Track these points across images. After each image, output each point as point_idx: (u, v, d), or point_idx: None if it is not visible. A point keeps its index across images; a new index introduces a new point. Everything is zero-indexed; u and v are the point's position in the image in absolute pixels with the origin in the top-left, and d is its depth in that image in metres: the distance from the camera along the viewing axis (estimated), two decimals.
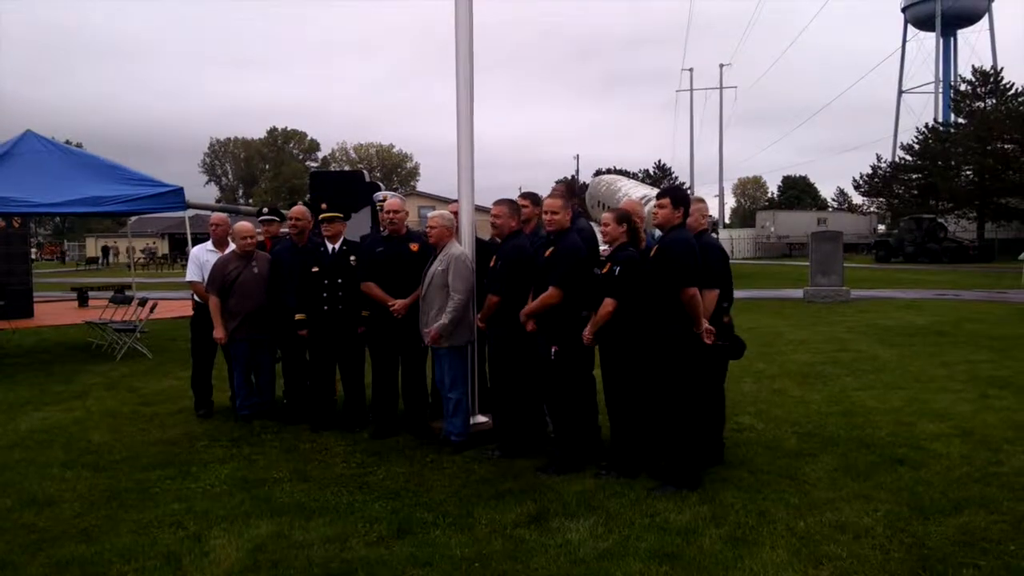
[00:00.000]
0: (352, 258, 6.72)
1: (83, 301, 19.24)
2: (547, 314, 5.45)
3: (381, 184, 11.34)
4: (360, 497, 5.03)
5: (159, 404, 7.89)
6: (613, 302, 5.14)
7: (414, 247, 6.60)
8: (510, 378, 5.89)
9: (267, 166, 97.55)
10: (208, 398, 7.50)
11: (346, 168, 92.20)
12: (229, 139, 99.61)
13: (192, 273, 7.51)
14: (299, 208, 7.43)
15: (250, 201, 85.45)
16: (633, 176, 52.33)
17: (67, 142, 12.73)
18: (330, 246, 6.80)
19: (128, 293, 13.99)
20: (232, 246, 7.40)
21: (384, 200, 7.15)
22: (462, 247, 6.24)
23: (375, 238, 6.87)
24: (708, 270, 5.12)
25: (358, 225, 10.25)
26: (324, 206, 7.43)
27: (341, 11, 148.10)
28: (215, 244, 7.57)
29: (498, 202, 5.97)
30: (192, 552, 4.18)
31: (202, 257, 7.51)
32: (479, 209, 6.86)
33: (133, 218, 15.99)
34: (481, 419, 6.55)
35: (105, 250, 57.52)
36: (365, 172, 11.43)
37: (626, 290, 5.13)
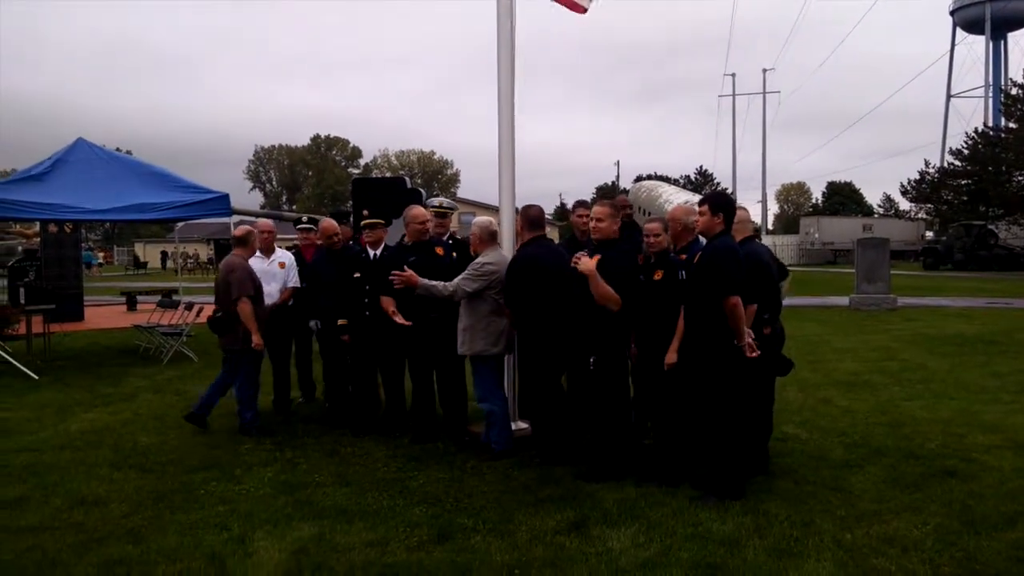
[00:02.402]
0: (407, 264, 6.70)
1: (132, 305, 19.64)
2: (586, 322, 5.41)
3: (422, 190, 11.37)
4: (401, 502, 5.04)
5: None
6: (734, 300, 5.03)
7: (439, 250, 6.64)
8: (547, 385, 5.88)
9: (310, 173, 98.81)
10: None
11: (388, 175, 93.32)
12: (274, 146, 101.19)
13: None
14: (327, 223, 7.51)
15: (294, 207, 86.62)
16: (674, 182, 51.97)
17: (117, 149, 13.06)
18: (371, 252, 6.85)
19: (175, 298, 14.26)
20: (279, 251, 7.61)
21: (439, 205, 7.22)
22: (497, 255, 6.17)
23: (401, 247, 6.83)
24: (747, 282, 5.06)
25: (399, 231, 10.32)
26: (365, 213, 7.50)
27: (385, 22, 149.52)
28: (263, 251, 7.68)
29: (602, 204, 5.75)
30: (236, 554, 4.23)
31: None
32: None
33: (180, 224, 16.28)
34: (523, 425, 6.55)
35: (164, 255, 59.05)
36: (407, 179, 11.51)
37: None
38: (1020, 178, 44.67)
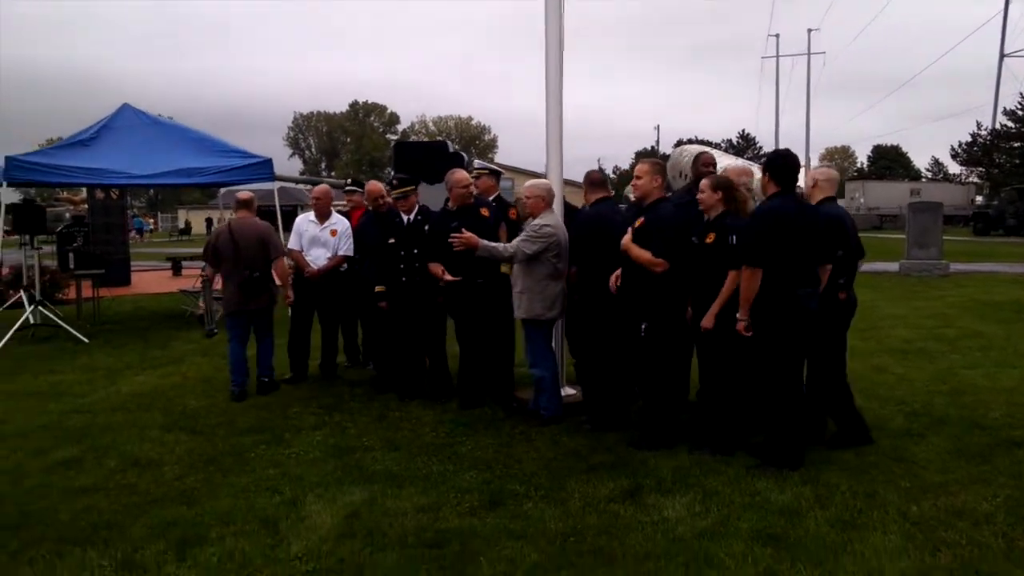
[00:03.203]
0: (427, 227, 6.68)
1: (177, 270, 19.90)
2: (636, 288, 5.28)
3: (464, 155, 11.26)
4: (451, 467, 5.00)
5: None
6: (736, 275, 4.87)
7: (484, 212, 6.51)
8: (598, 350, 5.78)
9: (348, 139, 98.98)
10: (303, 363, 7.64)
11: (427, 140, 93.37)
12: (312, 113, 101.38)
13: (292, 242, 7.71)
14: (373, 185, 7.44)
15: (332, 173, 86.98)
16: (716, 147, 51.06)
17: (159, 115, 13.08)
18: (405, 217, 6.78)
19: None
20: (335, 216, 7.58)
21: (483, 169, 7.10)
22: (554, 218, 6.06)
23: (445, 212, 6.71)
24: (823, 243, 4.89)
25: (440, 195, 10.22)
26: (395, 180, 7.36)
27: None
28: (317, 216, 7.65)
29: (643, 161, 5.70)
30: (289, 517, 4.23)
31: (302, 227, 7.69)
32: (566, 183, 6.71)
33: (223, 190, 16.34)
34: (570, 391, 6.46)
35: (208, 221, 59.62)
36: (448, 143, 11.40)
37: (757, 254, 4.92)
38: None
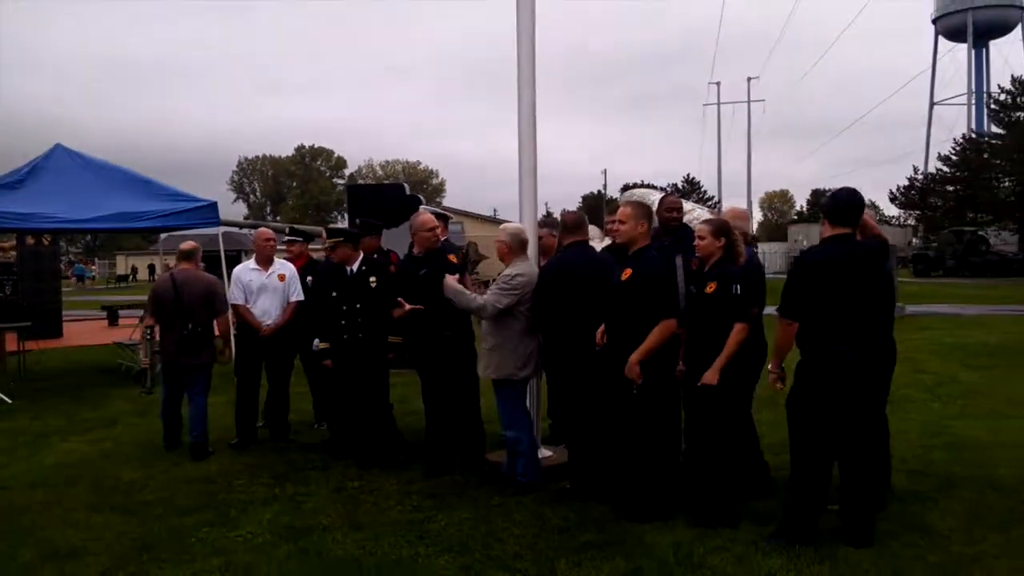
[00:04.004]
0: (372, 279, 6.11)
1: (113, 320, 18.85)
2: (627, 344, 4.79)
3: (421, 197, 10.77)
4: (423, 550, 4.41)
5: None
6: (745, 327, 4.49)
7: (452, 258, 6.02)
8: (581, 410, 5.27)
9: (294, 183, 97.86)
10: (251, 425, 6.97)
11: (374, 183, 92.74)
12: (257, 157, 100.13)
13: (235, 296, 7.02)
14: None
15: (278, 218, 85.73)
16: (662, 190, 51.52)
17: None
18: (348, 267, 6.22)
19: None
20: (278, 262, 7.07)
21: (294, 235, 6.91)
22: (528, 266, 5.57)
23: (411, 258, 6.16)
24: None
25: (399, 240, 9.70)
26: (357, 222, 6.95)
27: (370, 34, 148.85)
28: (260, 262, 7.04)
29: (625, 204, 5.23)
30: None
31: (244, 277, 7.01)
32: (500, 223, 6.27)
33: (164, 235, 15.48)
34: (546, 453, 5.93)
35: (151, 268, 57.90)
36: (405, 185, 10.90)
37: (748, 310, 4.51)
38: (1009, 184, 44.67)
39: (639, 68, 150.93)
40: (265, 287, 6.95)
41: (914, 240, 57.95)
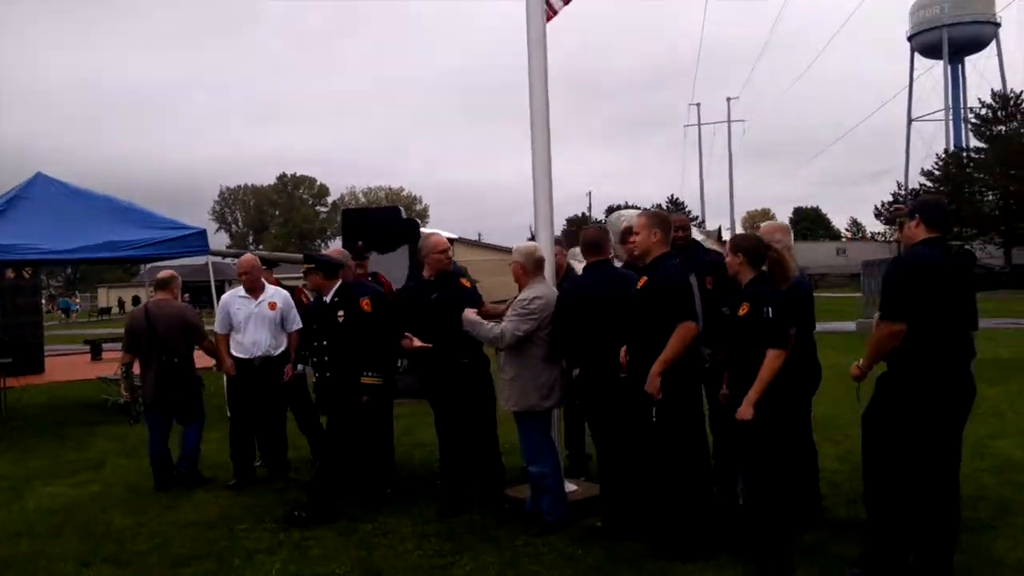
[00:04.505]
0: (340, 313, 5.55)
1: (96, 354, 18.34)
2: (645, 363, 4.45)
3: (418, 221, 10.43)
4: None
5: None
6: (779, 353, 4.14)
7: (464, 282, 5.67)
8: (613, 440, 4.90)
9: (277, 212, 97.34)
10: (249, 464, 6.54)
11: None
12: (240, 186, 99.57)
13: (219, 326, 6.62)
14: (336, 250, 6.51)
15: (260, 247, 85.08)
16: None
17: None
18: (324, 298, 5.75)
19: None
20: (270, 288, 6.68)
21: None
22: (545, 288, 5.21)
23: (422, 283, 5.69)
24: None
25: (394, 265, 9.33)
26: (360, 244, 6.61)
27: (349, 61, 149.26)
28: (248, 291, 6.62)
29: (639, 214, 4.88)
30: None
31: (232, 305, 6.59)
32: (486, 247, 5.94)
33: (147, 266, 15.03)
34: (572, 487, 5.54)
35: (136, 299, 57.18)
36: (401, 208, 10.56)
37: (785, 335, 4.15)
38: (992, 197, 45.04)
39: (622, 92, 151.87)
40: (254, 316, 6.53)
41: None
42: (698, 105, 60.87)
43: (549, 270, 5.52)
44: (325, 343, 5.65)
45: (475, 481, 5.61)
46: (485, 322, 5.14)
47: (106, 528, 5.46)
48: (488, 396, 5.53)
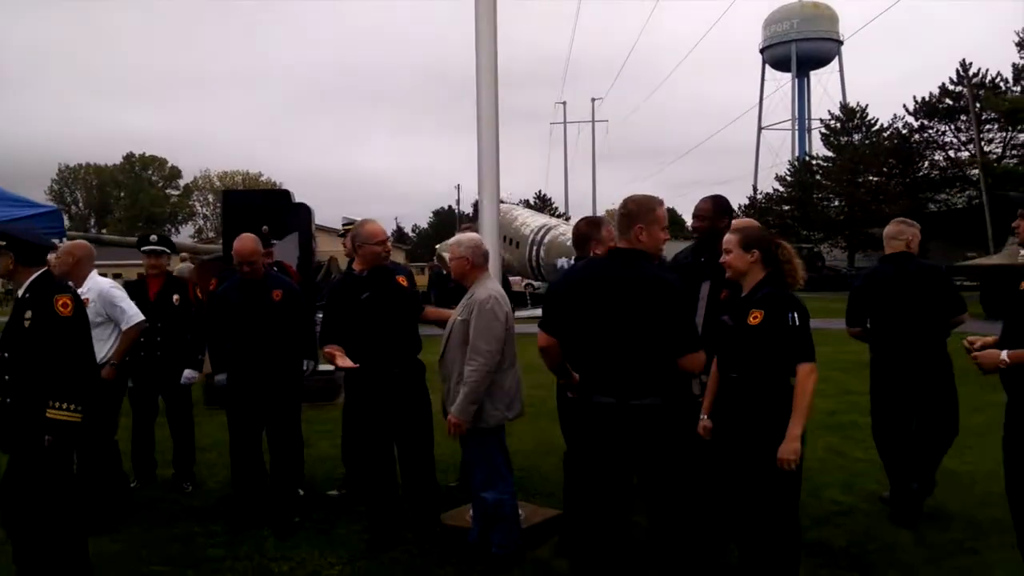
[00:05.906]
0: (176, 296, 5.47)
1: None
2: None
3: (310, 207, 9.51)
4: None
5: None
6: (813, 368, 3.56)
7: (402, 280, 4.88)
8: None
9: (123, 194, 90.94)
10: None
11: (210, 197, 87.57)
12: (80, 165, 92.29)
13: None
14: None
15: (103, 230, 79.25)
16: (515, 206, 51.57)
17: None
18: None
19: None
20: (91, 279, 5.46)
21: (351, 225, 5.46)
22: (493, 286, 4.53)
23: (351, 277, 4.86)
24: None
25: (285, 254, 8.46)
26: (265, 229, 5.79)
27: (214, 43, 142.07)
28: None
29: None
30: None
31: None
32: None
33: None
34: (520, 512, 4.87)
35: None
36: (291, 192, 9.59)
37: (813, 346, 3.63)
38: (838, 203, 47.87)
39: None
40: None
41: None
42: (564, 103, 61.88)
43: (494, 264, 4.87)
44: (159, 326, 5.20)
45: (407, 506, 4.85)
46: (463, 385, 4.20)
47: None
48: (423, 409, 4.79)
